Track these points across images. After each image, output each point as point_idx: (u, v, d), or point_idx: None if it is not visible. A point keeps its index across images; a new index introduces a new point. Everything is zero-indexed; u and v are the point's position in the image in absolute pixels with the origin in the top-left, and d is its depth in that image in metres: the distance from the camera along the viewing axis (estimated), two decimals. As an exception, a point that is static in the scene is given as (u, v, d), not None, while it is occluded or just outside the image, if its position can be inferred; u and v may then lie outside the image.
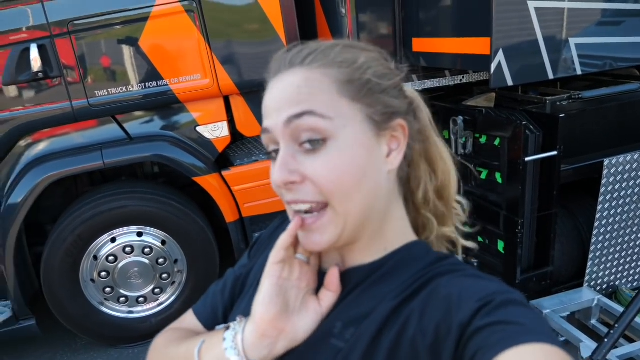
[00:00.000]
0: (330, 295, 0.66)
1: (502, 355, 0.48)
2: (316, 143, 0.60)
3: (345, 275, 0.68)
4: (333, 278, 0.67)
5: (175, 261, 2.91)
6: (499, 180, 2.54)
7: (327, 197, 0.61)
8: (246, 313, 0.66)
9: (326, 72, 0.62)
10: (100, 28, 2.58)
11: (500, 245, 2.64)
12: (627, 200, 2.56)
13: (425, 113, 0.73)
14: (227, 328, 0.66)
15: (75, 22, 2.52)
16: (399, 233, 0.70)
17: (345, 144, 0.61)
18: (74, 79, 2.59)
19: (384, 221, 0.68)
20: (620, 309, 2.34)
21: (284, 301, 0.63)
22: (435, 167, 0.74)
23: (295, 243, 0.67)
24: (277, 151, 0.63)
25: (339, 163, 0.60)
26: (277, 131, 0.62)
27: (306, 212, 0.63)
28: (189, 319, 0.83)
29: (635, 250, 2.73)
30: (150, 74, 2.64)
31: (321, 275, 0.69)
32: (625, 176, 2.50)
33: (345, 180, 0.61)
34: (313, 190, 0.61)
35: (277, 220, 0.87)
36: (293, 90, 0.62)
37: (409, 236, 0.71)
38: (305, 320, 0.64)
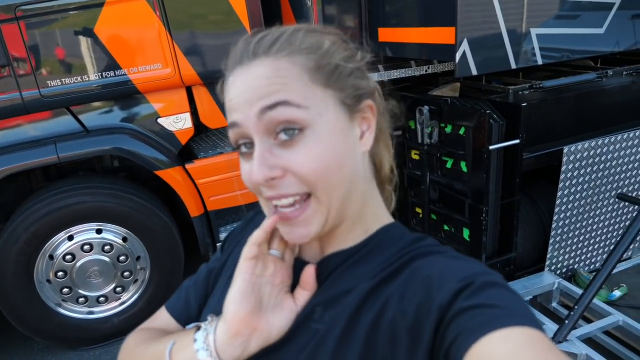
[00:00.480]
0: (305, 293, 0.65)
1: (483, 338, 0.48)
2: (292, 133, 0.58)
3: (325, 262, 0.67)
4: (309, 277, 0.65)
5: (138, 258, 2.81)
6: (464, 169, 2.58)
7: (310, 187, 0.59)
8: (218, 309, 0.64)
9: (294, 60, 0.60)
10: (52, 13, 2.42)
11: (466, 233, 2.69)
12: (585, 187, 2.66)
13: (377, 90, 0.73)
14: (198, 328, 0.64)
15: (24, 7, 2.36)
16: (376, 215, 0.70)
17: (323, 132, 0.59)
18: (23, 67, 2.43)
19: (363, 204, 0.67)
20: (579, 291, 2.43)
21: (257, 298, 0.62)
22: (388, 143, 0.74)
23: (270, 238, 0.65)
24: (247, 145, 0.61)
25: (319, 152, 0.58)
26: (249, 125, 0.59)
27: (290, 205, 0.61)
28: (161, 316, 0.80)
29: (593, 234, 2.85)
30: (107, 63, 2.52)
31: (300, 264, 0.68)
32: (584, 163, 2.59)
33: (327, 168, 0.59)
34: (295, 182, 0.59)
35: (251, 212, 0.85)
36: (262, 82, 0.58)
37: (385, 218, 0.71)
38: (279, 317, 0.63)
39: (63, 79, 2.50)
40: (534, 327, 0.49)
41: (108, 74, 2.53)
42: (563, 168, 2.55)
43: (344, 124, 0.62)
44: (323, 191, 0.59)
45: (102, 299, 2.82)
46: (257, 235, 0.63)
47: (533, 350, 0.47)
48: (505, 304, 0.52)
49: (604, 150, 2.62)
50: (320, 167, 0.58)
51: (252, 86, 0.59)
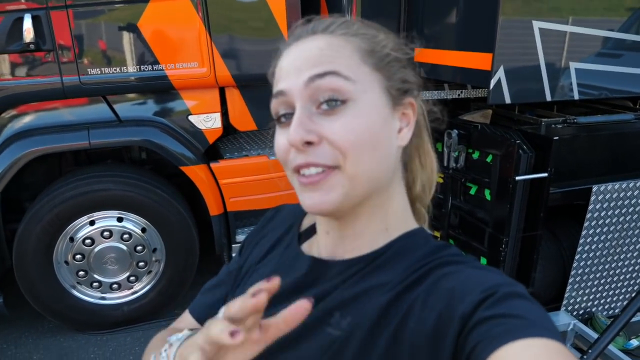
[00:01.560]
0: (282, 330, 0.48)
1: (503, 348, 0.47)
2: (335, 104, 0.59)
3: (345, 264, 0.66)
4: (295, 314, 0.47)
5: (154, 250, 2.85)
6: (488, 197, 2.55)
7: (342, 156, 0.59)
8: None
9: (349, 40, 0.62)
10: (100, 5, 2.51)
11: (483, 262, 2.64)
12: (612, 229, 2.58)
13: (422, 107, 0.73)
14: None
15: (74, -4, 2.45)
16: (400, 218, 0.68)
17: (364, 108, 0.60)
18: (66, 54, 2.52)
19: (387, 198, 0.66)
20: (595, 336, 2.35)
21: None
22: (424, 162, 0.74)
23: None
24: (286, 115, 0.62)
25: (357, 125, 0.59)
26: (295, 92, 0.60)
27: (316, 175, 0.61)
28: (185, 318, 0.82)
29: (615, 279, 2.76)
30: (147, 57, 2.59)
31: (317, 262, 0.67)
32: (612, 204, 2.52)
33: (361, 142, 0.59)
34: (328, 151, 0.59)
35: (270, 210, 0.86)
36: (316, 52, 0.61)
37: (411, 223, 0.70)
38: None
39: (103, 69, 2.58)
40: (555, 339, 0.48)
41: (146, 68, 2.60)
42: (590, 207, 2.48)
43: (385, 110, 0.63)
44: (352, 164, 0.59)
45: (115, 286, 2.87)
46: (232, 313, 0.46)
47: None
48: (527, 314, 0.51)
49: (635, 193, 2.55)
50: (355, 138, 0.59)
51: (304, 56, 0.61)
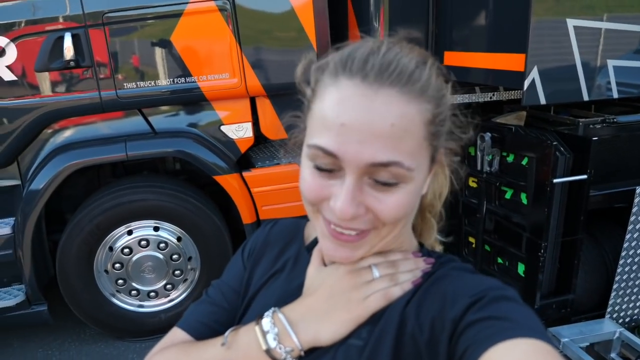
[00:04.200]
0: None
1: (492, 349, 0.49)
2: (389, 182, 0.58)
3: None
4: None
5: (189, 258, 2.91)
6: (524, 201, 2.48)
7: (380, 225, 0.60)
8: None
9: (421, 109, 0.57)
10: (134, 21, 2.60)
11: (521, 269, 2.57)
12: (658, 232, 2.47)
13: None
14: (260, 318, 0.66)
15: (110, 14, 2.55)
16: (407, 237, 0.71)
17: (415, 188, 0.60)
18: (104, 70, 2.62)
19: (401, 232, 0.67)
20: (644, 344, 2.25)
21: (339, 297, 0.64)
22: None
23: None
24: (329, 170, 0.58)
25: (406, 203, 0.60)
26: (351, 165, 0.56)
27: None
28: (177, 336, 0.76)
29: (663, 285, 2.63)
30: (179, 70, 2.66)
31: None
32: (657, 206, 2.41)
33: (405, 215, 0.61)
34: (370, 220, 0.59)
35: (267, 223, 0.85)
36: (386, 127, 0.54)
37: (414, 240, 0.72)
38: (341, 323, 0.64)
39: (138, 82, 2.66)
40: (541, 339, 0.50)
41: (179, 80, 2.67)
42: (634, 210, 2.38)
43: (426, 177, 0.63)
44: (389, 228, 0.61)
45: (152, 294, 2.93)
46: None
47: None
48: (514, 316, 0.53)
49: (682, 194, 2.43)
50: (402, 215, 0.60)
51: (374, 127, 0.55)
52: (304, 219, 0.80)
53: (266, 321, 0.65)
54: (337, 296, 0.63)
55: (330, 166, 0.58)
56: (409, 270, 0.65)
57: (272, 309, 0.66)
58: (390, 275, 0.64)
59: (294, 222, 0.83)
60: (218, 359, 0.66)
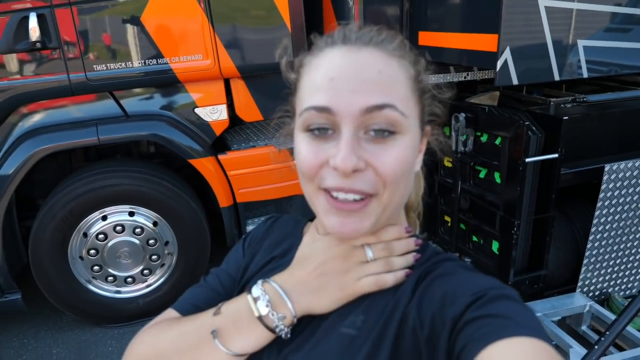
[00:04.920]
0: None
1: (490, 347, 0.49)
2: (385, 134, 0.58)
3: None
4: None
5: (166, 243, 2.88)
6: (498, 180, 2.52)
7: (382, 186, 0.59)
8: None
9: (403, 64, 0.61)
10: (103, 0, 2.53)
11: (495, 246, 2.62)
12: (626, 207, 2.54)
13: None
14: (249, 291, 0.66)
15: (77, -6, 2.47)
16: (403, 222, 0.72)
17: (408, 142, 0.60)
18: (72, 51, 2.54)
19: (398, 218, 0.70)
20: (612, 317, 2.33)
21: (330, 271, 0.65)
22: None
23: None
24: (322, 130, 0.58)
25: (403, 157, 0.59)
26: (347, 115, 0.57)
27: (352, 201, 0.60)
28: (170, 315, 0.76)
29: (630, 258, 2.72)
30: (151, 51, 2.60)
31: None
32: (625, 183, 2.48)
33: (403, 174, 0.60)
34: (372, 179, 0.58)
35: (268, 218, 0.85)
36: (373, 73, 0.57)
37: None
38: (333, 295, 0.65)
39: (108, 64, 2.59)
40: (541, 338, 0.50)
41: (151, 62, 2.61)
42: (603, 187, 2.45)
43: (418, 142, 0.64)
44: (389, 193, 0.60)
45: (129, 279, 2.91)
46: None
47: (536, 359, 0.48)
48: (513, 315, 0.53)
49: (649, 171, 2.50)
50: (399, 171, 0.59)
51: (362, 74, 0.57)
52: (305, 218, 0.83)
53: (256, 289, 0.65)
54: (330, 274, 0.63)
55: (325, 125, 0.58)
56: (402, 254, 0.65)
57: (262, 279, 0.66)
58: (385, 260, 0.64)
59: (294, 220, 0.84)
60: (208, 325, 0.65)
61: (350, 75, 0.57)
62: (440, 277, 0.61)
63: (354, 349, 0.60)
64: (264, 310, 0.63)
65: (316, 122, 0.58)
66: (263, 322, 0.63)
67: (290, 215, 0.85)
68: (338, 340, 0.62)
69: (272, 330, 0.63)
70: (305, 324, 0.65)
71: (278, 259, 0.77)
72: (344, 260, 0.64)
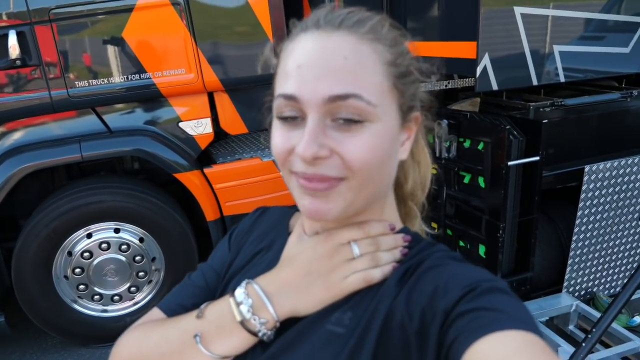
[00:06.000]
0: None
1: (481, 340, 0.49)
2: (352, 122, 0.57)
3: None
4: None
5: (153, 259, 2.85)
6: (482, 184, 2.56)
7: (350, 174, 0.58)
8: None
9: (376, 48, 0.58)
10: (83, 17, 2.52)
11: (482, 250, 2.65)
12: (607, 207, 2.60)
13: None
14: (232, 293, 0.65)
15: (57, 10, 2.45)
16: (393, 220, 0.70)
17: (381, 130, 0.59)
18: (53, 68, 2.52)
19: (384, 207, 0.68)
20: (598, 315, 2.36)
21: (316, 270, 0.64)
22: (417, 158, 0.74)
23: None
24: (292, 118, 0.59)
25: (372, 146, 0.58)
26: (311, 103, 0.56)
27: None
28: (155, 315, 0.76)
29: (614, 257, 2.77)
30: (133, 66, 2.59)
31: None
32: (605, 183, 2.53)
33: (373, 162, 0.59)
34: (337, 165, 0.57)
35: (256, 210, 0.85)
36: (339, 60, 0.56)
37: (399, 224, 0.71)
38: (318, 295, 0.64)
39: (90, 80, 2.58)
40: (532, 331, 0.50)
41: (133, 77, 2.60)
42: (584, 187, 2.50)
43: (396, 128, 0.62)
44: (359, 181, 0.59)
45: (116, 297, 2.86)
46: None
47: (528, 353, 0.48)
48: (505, 308, 0.52)
49: (627, 171, 2.56)
50: (369, 159, 0.58)
51: (327, 62, 0.56)
52: (293, 208, 0.81)
53: (239, 292, 0.64)
54: (315, 274, 0.63)
55: (293, 113, 0.58)
56: (389, 249, 0.64)
57: (246, 280, 0.66)
58: (371, 255, 0.63)
59: (281, 210, 0.82)
60: (191, 329, 0.65)
61: (316, 62, 0.57)
62: (430, 270, 0.60)
63: (339, 346, 0.60)
64: (246, 314, 0.62)
65: (284, 110, 0.59)
66: (245, 327, 0.62)
67: (278, 207, 0.84)
68: (323, 338, 0.61)
69: (254, 334, 0.63)
70: (292, 322, 0.64)
71: (264, 252, 0.76)
72: (330, 259, 0.63)
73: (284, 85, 0.59)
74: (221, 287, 0.77)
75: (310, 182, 0.58)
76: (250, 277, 0.67)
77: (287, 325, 0.64)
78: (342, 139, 0.57)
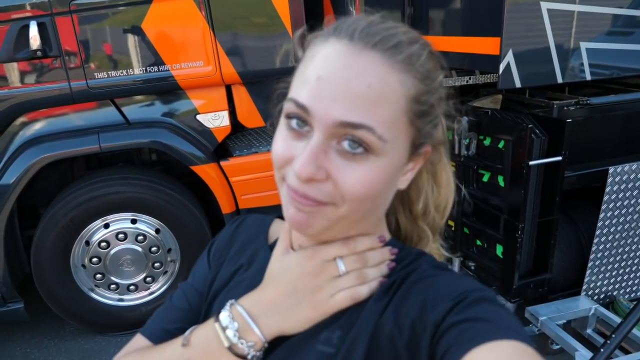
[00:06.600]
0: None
1: (472, 351, 0.49)
2: (357, 150, 0.54)
3: None
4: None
5: (169, 250, 2.87)
6: (501, 183, 2.51)
7: (340, 202, 0.56)
8: None
9: (404, 80, 0.55)
10: (103, 8, 2.52)
11: (499, 250, 2.61)
12: (630, 210, 2.54)
13: (443, 126, 0.69)
14: (217, 318, 0.64)
15: (78, 2, 2.46)
16: (380, 233, 0.67)
17: (385, 165, 0.56)
18: (73, 59, 2.54)
19: (376, 226, 0.66)
20: (617, 320, 2.32)
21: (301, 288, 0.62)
22: (439, 179, 0.71)
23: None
24: (299, 124, 0.56)
25: (372, 180, 0.55)
26: (320, 121, 0.53)
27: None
28: (139, 343, 0.75)
29: (635, 261, 2.71)
30: (152, 58, 2.59)
31: None
32: (630, 185, 2.47)
33: (369, 197, 0.57)
34: (329, 191, 0.55)
35: (233, 221, 0.82)
36: (362, 87, 0.52)
37: (387, 235, 0.69)
38: (305, 314, 0.62)
39: (109, 72, 2.58)
40: (522, 340, 0.50)
41: (152, 69, 2.60)
42: (607, 189, 2.44)
43: (401, 163, 0.60)
44: (347, 210, 0.57)
45: (132, 287, 2.89)
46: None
47: None
48: (494, 318, 0.53)
49: (653, 173, 2.49)
50: (363, 193, 0.56)
51: (349, 84, 0.53)
52: (271, 216, 0.80)
53: (224, 315, 0.62)
54: (301, 293, 0.61)
55: (300, 119, 0.55)
56: (376, 265, 0.62)
57: (230, 302, 0.64)
58: (358, 272, 0.61)
59: (259, 220, 0.80)
60: (177, 358, 0.64)
61: (336, 80, 0.53)
62: (418, 282, 0.60)
63: None
64: (233, 339, 0.61)
65: (293, 114, 0.56)
66: (233, 352, 0.61)
67: (254, 216, 0.82)
68: (315, 359, 0.61)
69: (243, 358, 0.61)
70: (281, 339, 0.63)
71: (244, 268, 0.74)
72: (315, 277, 0.61)
73: (299, 90, 0.56)
74: (205, 307, 0.75)
75: (299, 197, 0.56)
76: (234, 296, 0.65)
77: (276, 343, 0.63)
78: (342, 166, 0.54)
